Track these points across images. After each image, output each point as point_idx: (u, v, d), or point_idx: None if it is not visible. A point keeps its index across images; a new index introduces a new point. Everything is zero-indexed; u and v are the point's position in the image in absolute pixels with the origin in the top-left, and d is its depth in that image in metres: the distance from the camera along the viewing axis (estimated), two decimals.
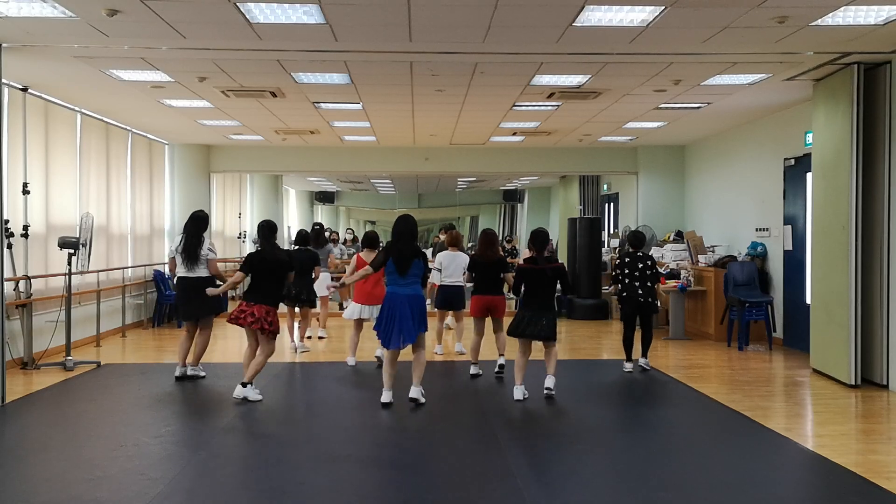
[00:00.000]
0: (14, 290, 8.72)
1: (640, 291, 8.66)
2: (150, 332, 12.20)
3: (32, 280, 8.99)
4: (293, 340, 10.44)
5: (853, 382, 7.91)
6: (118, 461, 5.48)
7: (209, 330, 8.31)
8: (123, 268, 12.09)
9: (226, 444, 6.11)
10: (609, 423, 6.83)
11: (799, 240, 10.20)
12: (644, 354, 8.86)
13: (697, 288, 11.60)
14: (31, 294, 8.95)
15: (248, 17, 6.37)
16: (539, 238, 7.49)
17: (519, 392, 7.31)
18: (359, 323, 9.19)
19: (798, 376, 8.63)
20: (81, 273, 9.52)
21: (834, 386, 8.04)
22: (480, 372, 8.54)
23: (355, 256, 9.14)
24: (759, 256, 11.12)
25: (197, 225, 8.28)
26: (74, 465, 5.42)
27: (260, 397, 7.20)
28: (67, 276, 8.98)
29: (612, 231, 17.56)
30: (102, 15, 6.25)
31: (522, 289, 7.43)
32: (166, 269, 13.54)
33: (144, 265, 12.96)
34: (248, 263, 7.40)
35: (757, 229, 11.36)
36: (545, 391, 7.37)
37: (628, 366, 8.80)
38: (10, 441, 6.25)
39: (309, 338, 11.10)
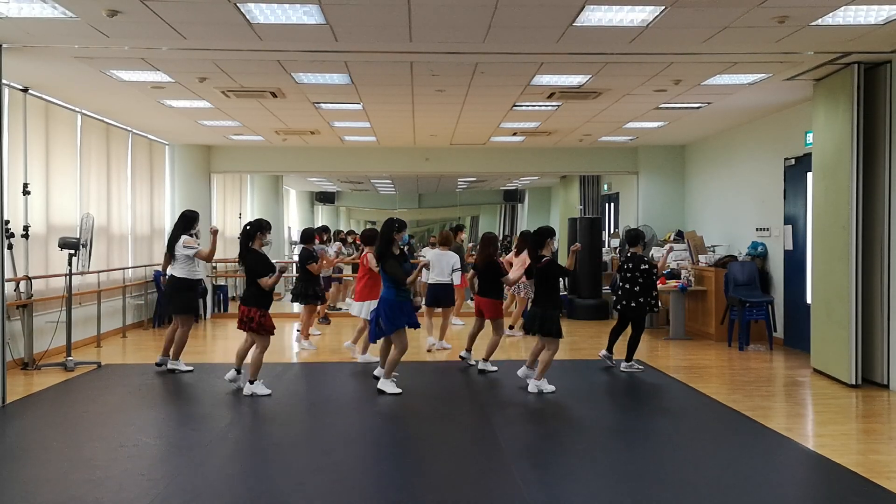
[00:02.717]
0: (15, 290, 8.72)
1: (634, 290, 8.70)
2: (151, 333, 12.21)
3: (33, 280, 8.99)
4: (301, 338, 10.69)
5: (854, 382, 7.90)
6: (118, 461, 5.48)
7: (185, 327, 8.64)
8: (124, 268, 12.10)
9: (226, 444, 6.11)
10: (609, 422, 6.83)
11: (799, 239, 10.20)
12: (627, 358, 8.80)
13: (698, 288, 11.61)
14: (32, 294, 8.95)
15: (248, 17, 6.37)
16: (530, 236, 7.88)
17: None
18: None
19: (799, 376, 8.62)
20: (82, 273, 9.53)
21: (834, 386, 8.04)
22: (470, 361, 8.99)
23: (364, 253, 9.30)
24: (759, 256, 11.11)
25: (179, 222, 8.71)
26: (75, 465, 5.42)
27: (268, 391, 7.46)
28: (68, 277, 8.98)
29: (612, 231, 17.55)
30: (103, 15, 6.26)
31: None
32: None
33: (145, 266, 12.97)
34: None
35: (757, 229, 11.36)
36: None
37: (603, 352, 9.14)
38: (11, 441, 6.25)
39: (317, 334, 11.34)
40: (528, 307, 8.20)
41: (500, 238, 22.34)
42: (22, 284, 8.84)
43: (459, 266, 10.39)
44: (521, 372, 8.14)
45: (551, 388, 7.63)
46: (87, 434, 6.38)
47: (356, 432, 6.39)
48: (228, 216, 17.47)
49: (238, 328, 7.54)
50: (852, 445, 5.97)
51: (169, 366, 8.72)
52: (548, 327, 7.50)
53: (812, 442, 6.08)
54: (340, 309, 14.62)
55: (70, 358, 8.84)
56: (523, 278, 11.52)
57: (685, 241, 12.65)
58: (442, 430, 6.47)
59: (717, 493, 4.87)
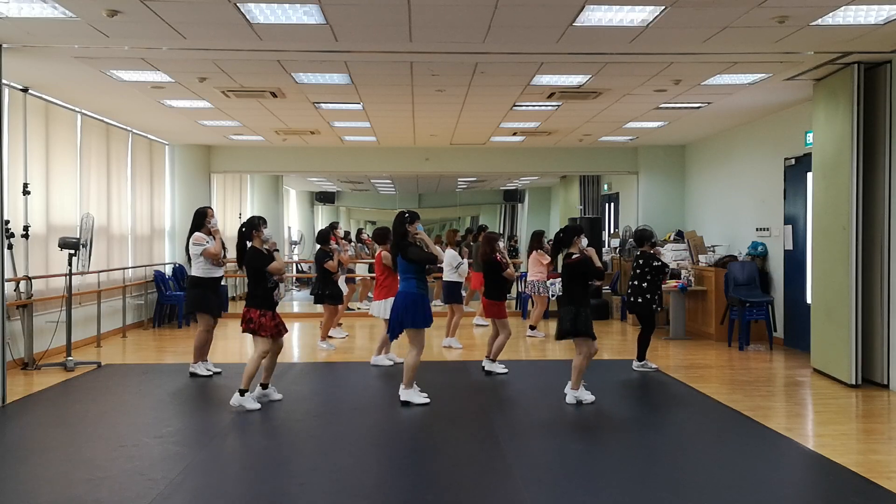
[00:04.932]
0: (15, 290, 8.72)
1: (641, 286, 8.76)
2: (151, 333, 12.21)
3: (33, 280, 8.99)
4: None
5: (854, 382, 7.90)
6: (118, 462, 5.48)
7: (201, 327, 8.45)
8: (124, 268, 12.10)
9: (227, 444, 6.12)
10: (609, 422, 6.83)
11: (799, 239, 10.20)
12: (638, 357, 8.87)
13: (698, 288, 11.60)
14: (32, 294, 8.95)
15: (248, 17, 6.37)
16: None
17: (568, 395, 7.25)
18: None
19: (798, 376, 8.62)
20: (82, 273, 9.53)
21: (834, 385, 8.04)
22: (493, 370, 8.65)
23: (379, 252, 9.28)
24: (759, 256, 11.12)
25: (192, 222, 8.61)
26: (75, 465, 5.42)
27: (258, 405, 6.97)
28: (68, 277, 8.98)
29: (612, 231, 17.55)
30: (103, 15, 6.26)
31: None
32: (167, 270, 13.64)
33: (145, 266, 12.97)
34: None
35: (757, 229, 11.36)
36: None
37: (634, 364, 8.90)
38: (11, 442, 6.25)
39: (331, 337, 11.08)
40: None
41: (506, 239, 22.30)
42: (22, 284, 8.84)
43: (456, 263, 10.44)
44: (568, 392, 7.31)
45: (591, 397, 7.20)
46: (87, 434, 6.37)
47: (356, 432, 6.39)
48: (228, 216, 17.46)
49: (242, 331, 7.14)
50: (852, 445, 5.97)
51: (190, 369, 8.47)
52: (571, 327, 7.00)
53: (812, 442, 6.08)
54: (352, 309, 14.56)
55: (70, 358, 8.84)
56: (540, 277, 11.55)
57: (685, 240, 12.65)
58: (444, 430, 6.46)
59: (717, 493, 4.87)
